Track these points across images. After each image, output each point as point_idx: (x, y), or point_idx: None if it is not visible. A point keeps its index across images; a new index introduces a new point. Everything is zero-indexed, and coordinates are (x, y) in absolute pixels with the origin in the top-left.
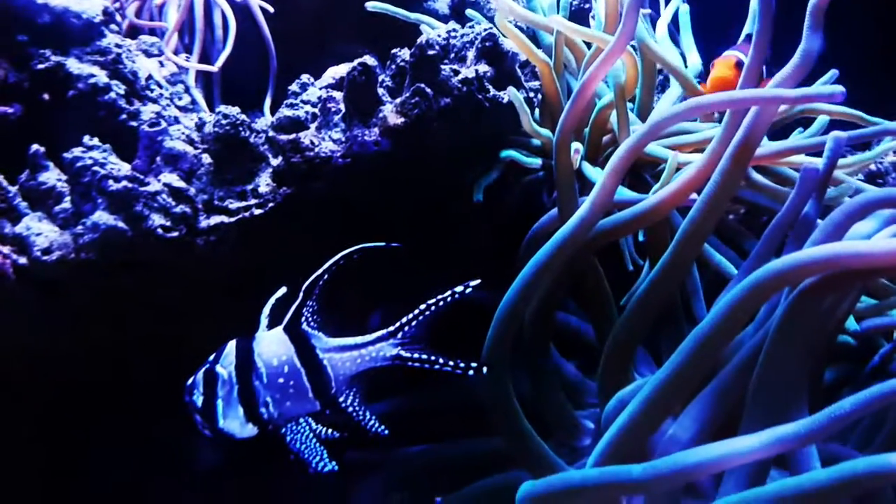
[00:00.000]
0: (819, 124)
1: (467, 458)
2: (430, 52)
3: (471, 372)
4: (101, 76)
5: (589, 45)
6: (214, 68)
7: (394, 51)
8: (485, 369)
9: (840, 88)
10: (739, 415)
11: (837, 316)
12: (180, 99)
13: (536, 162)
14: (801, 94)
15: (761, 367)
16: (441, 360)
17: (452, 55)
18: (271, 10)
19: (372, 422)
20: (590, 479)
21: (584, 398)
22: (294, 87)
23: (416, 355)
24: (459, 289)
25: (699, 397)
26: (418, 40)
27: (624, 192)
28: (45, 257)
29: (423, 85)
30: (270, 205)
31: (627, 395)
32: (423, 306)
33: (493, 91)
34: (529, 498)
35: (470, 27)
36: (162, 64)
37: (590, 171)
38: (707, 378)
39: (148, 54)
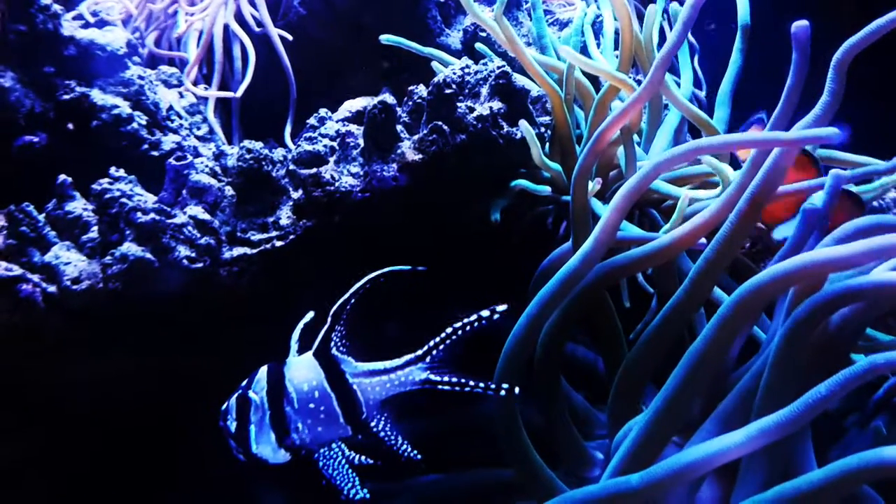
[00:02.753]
0: None
1: (478, 488)
2: (448, 91)
3: (502, 392)
4: (125, 107)
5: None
6: (236, 95)
7: (411, 88)
8: (517, 389)
9: (836, 130)
10: None
11: (837, 345)
12: (199, 129)
13: (546, 190)
14: (798, 136)
15: (761, 397)
16: (471, 383)
17: (467, 91)
18: (290, 37)
19: (404, 446)
20: (595, 494)
21: (594, 429)
22: (312, 120)
23: (445, 378)
24: (486, 313)
25: (705, 425)
26: (435, 79)
27: (635, 231)
28: (74, 286)
29: (440, 122)
30: (291, 237)
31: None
32: (449, 330)
33: (506, 127)
34: None
35: (483, 64)
36: (182, 94)
37: (598, 206)
38: (712, 400)
39: (168, 85)
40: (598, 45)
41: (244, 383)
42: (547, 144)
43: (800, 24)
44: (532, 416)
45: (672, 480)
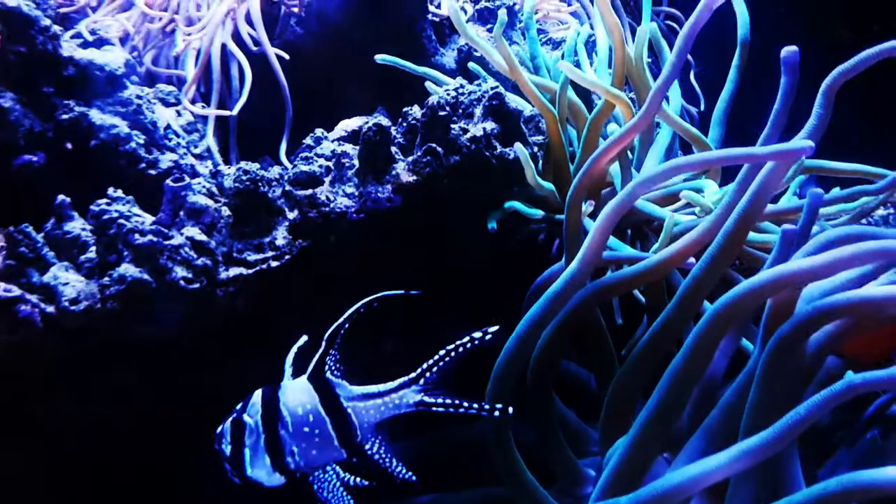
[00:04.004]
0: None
1: None
2: (441, 113)
3: (496, 413)
4: (122, 127)
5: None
6: (232, 113)
7: (405, 109)
8: (510, 410)
9: (810, 143)
10: None
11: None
12: (196, 147)
13: (539, 214)
14: (772, 150)
15: (747, 416)
16: (465, 404)
17: (461, 111)
18: (287, 56)
19: (399, 468)
20: None
21: (586, 446)
22: (308, 140)
23: (439, 400)
24: (478, 335)
25: (691, 440)
26: (429, 100)
27: (627, 250)
28: (72, 307)
29: (434, 144)
30: (287, 257)
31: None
32: (442, 352)
33: (499, 148)
34: None
35: (477, 85)
36: (179, 113)
37: (591, 225)
38: (701, 415)
39: (165, 103)
40: (592, 64)
41: (238, 407)
42: (540, 163)
43: (789, 50)
44: (525, 434)
45: (662, 501)
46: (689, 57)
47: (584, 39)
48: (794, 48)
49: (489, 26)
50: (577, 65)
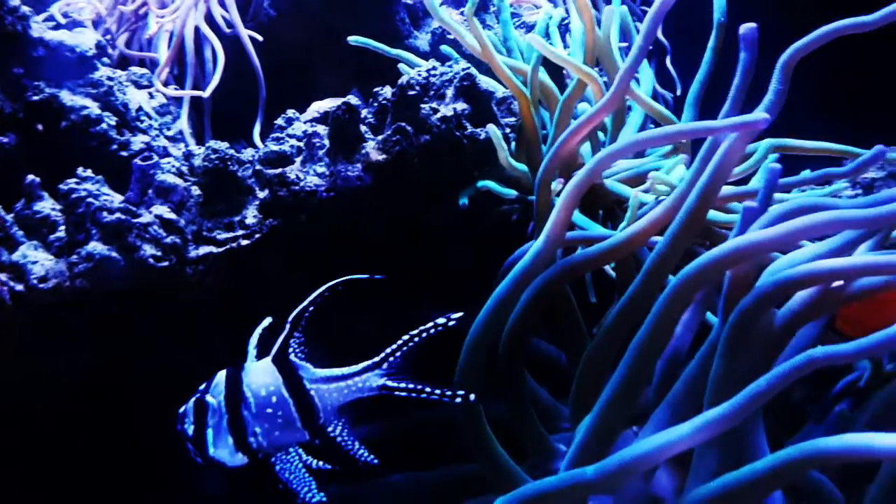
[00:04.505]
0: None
1: (445, 484)
2: (411, 93)
3: (458, 399)
4: (93, 108)
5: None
6: (204, 94)
7: (376, 89)
8: (472, 397)
9: (765, 115)
10: None
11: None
12: (169, 129)
13: (512, 193)
14: (729, 123)
15: (711, 389)
16: (427, 389)
17: (432, 93)
18: (260, 38)
19: (361, 451)
20: (553, 485)
21: (558, 422)
22: (280, 121)
23: (402, 385)
24: (442, 320)
25: (656, 412)
26: (399, 80)
27: (596, 229)
28: (41, 285)
29: (403, 123)
30: (257, 235)
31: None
32: (406, 337)
33: (470, 128)
34: None
35: (449, 66)
36: (152, 95)
37: None
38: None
39: (138, 85)
40: (566, 47)
41: (202, 387)
42: (513, 144)
43: (748, 26)
44: (497, 410)
45: (625, 471)
46: (666, 41)
47: (557, 22)
48: (753, 25)
49: (462, 9)
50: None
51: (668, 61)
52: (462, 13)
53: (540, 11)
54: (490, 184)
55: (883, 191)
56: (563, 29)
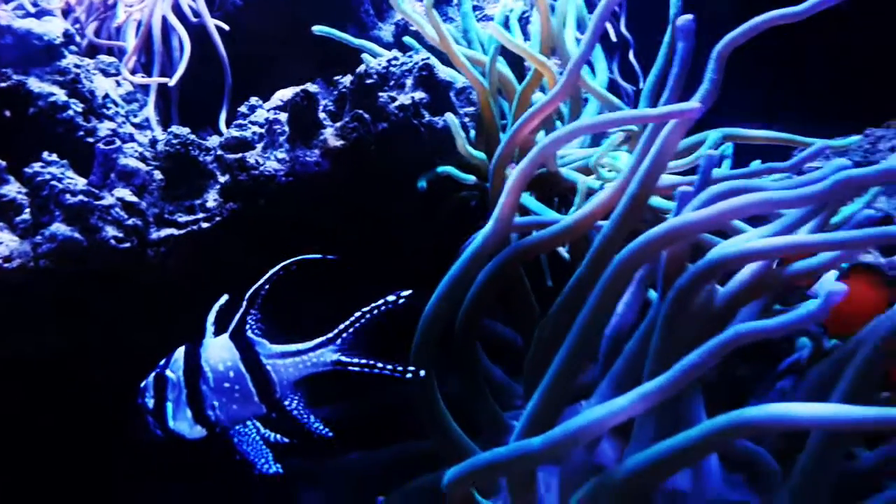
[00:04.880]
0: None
1: (401, 460)
2: (369, 81)
3: (408, 375)
4: (60, 95)
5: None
6: (171, 82)
7: (336, 77)
8: (422, 373)
9: (696, 104)
10: None
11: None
12: (136, 116)
13: (471, 179)
14: (663, 111)
15: (650, 363)
16: (379, 365)
17: (392, 82)
18: (226, 27)
19: (316, 424)
20: (503, 455)
21: (511, 400)
22: (243, 108)
23: (354, 360)
24: (392, 298)
25: (600, 386)
26: (358, 69)
27: (550, 214)
28: (5, 264)
29: (361, 111)
30: (217, 219)
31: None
32: (358, 314)
33: (428, 116)
34: (454, 479)
35: (409, 56)
36: (119, 83)
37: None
38: (609, 365)
39: (105, 73)
40: (527, 39)
41: (162, 363)
42: (472, 133)
43: (685, 18)
44: (452, 388)
45: (570, 441)
46: (629, 35)
47: (518, 14)
48: (689, 17)
49: (426, 1)
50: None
51: (630, 55)
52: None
53: (499, 4)
54: (450, 169)
55: (809, 173)
56: (525, 22)
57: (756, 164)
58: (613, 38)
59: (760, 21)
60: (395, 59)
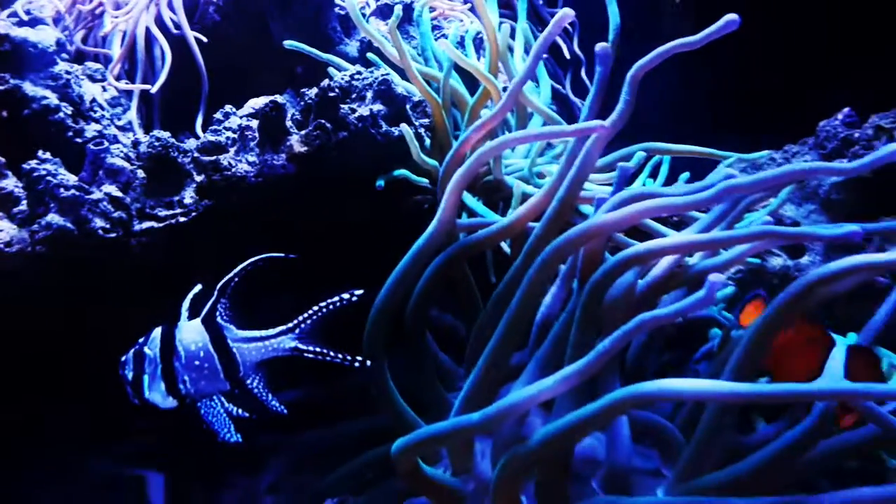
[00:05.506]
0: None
1: (356, 435)
2: (331, 94)
3: (356, 364)
4: (52, 98)
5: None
6: (152, 89)
7: (303, 90)
8: (368, 363)
9: (601, 122)
10: None
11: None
12: (119, 119)
13: (424, 181)
14: (574, 128)
15: (570, 348)
16: (331, 353)
17: (354, 95)
18: (205, 39)
19: (273, 402)
20: (446, 428)
21: (456, 382)
22: (219, 115)
23: (310, 348)
24: (346, 295)
25: (528, 366)
26: (322, 83)
27: (490, 217)
28: (6, 249)
29: (323, 120)
30: (193, 214)
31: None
32: (316, 308)
33: (385, 127)
34: (402, 449)
35: (370, 72)
36: (105, 88)
37: (469, 199)
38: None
39: (93, 79)
40: (480, 58)
41: (141, 340)
42: (428, 142)
43: (602, 46)
44: (403, 372)
45: (503, 416)
46: (582, 55)
47: (473, 35)
48: (606, 45)
49: (389, 21)
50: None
51: (583, 72)
52: (388, 24)
53: (451, 26)
54: (406, 172)
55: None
56: (480, 42)
57: (685, 176)
58: (567, 55)
59: (664, 50)
60: (358, 73)
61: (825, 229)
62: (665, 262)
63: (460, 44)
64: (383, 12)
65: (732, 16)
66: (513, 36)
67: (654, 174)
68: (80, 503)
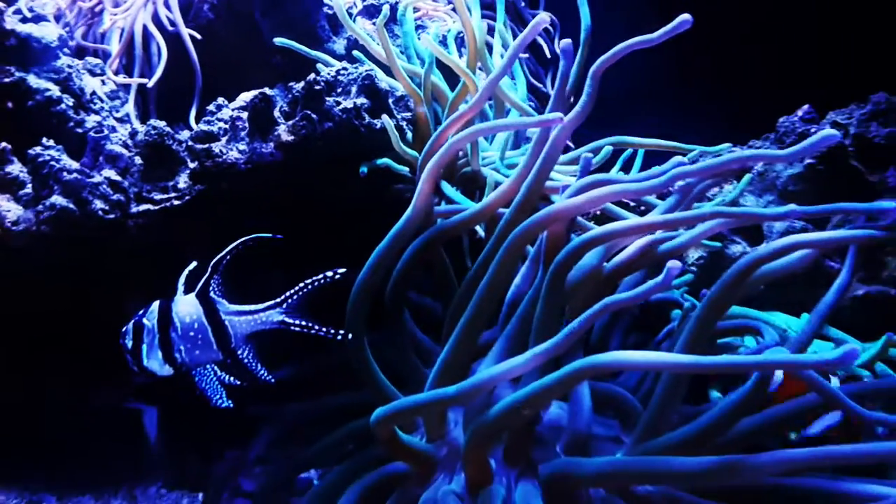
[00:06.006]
0: (603, 155)
1: (341, 408)
2: (317, 87)
3: (339, 337)
4: (55, 90)
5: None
6: (149, 83)
7: (290, 84)
8: (350, 336)
9: (558, 115)
10: None
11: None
12: (118, 111)
13: (405, 170)
14: (535, 120)
15: (536, 324)
16: (316, 327)
17: (340, 89)
18: (198, 36)
19: (262, 371)
20: (422, 399)
21: (434, 359)
22: (211, 107)
23: (296, 321)
24: (330, 273)
25: (498, 342)
26: (308, 77)
27: (465, 203)
28: (14, 228)
29: (309, 111)
30: (187, 197)
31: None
32: (301, 284)
33: (368, 119)
34: (380, 417)
35: (355, 67)
36: (104, 82)
37: (446, 187)
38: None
39: (93, 73)
40: (461, 56)
41: (140, 313)
42: (409, 135)
43: (566, 42)
44: (384, 349)
45: (477, 389)
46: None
47: (455, 33)
48: (568, 40)
49: (375, 20)
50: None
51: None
52: (374, 23)
53: (433, 25)
54: (389, 161)
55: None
56: (462, 40)
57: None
58: (548, 54)
59: (624, 47)
60: (344, 69)
61: (768, 210)
62: (630, 249)
63: (443, 42)
64: (370, 11)
65: (686, 16)
66: (493, 34)
67: (626, 167)
68: (88, 426)
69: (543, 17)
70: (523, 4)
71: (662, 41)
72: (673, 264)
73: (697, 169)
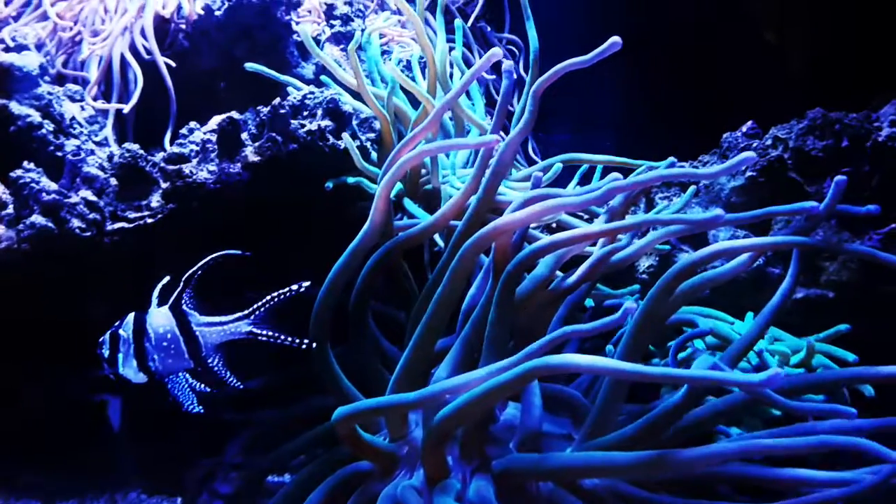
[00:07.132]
0: (553, 172)
1: (309, 413)
2: (282, 111)
3: (304, 346)
4: (36, 116)
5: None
6: (125, 108)
7: (258, 107)
8: (314, 345)
9: (495, 137)
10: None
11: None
12: (96, 136)
13: (374, 188)
14: (476, 141)
15: (488, 330)
16: (282, 337)
17: (306, 112)
18: (173, 64)
19: (231, 378)
20: (382, 402)
21: (396, 364)
22: (184, 130)
23: (263, 332)
24: (295, 287)
25: (454, 346)
26: (273, 101)
27: (421, 216)
28: None
29: (274, 134)
30: (159, 216)
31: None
32: (268, 297)
33: (332, 140)
34: (342, 416)
35: (321, 91)
36: (83, 108)
37: (407, 203)
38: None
39: (72, 99)
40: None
41: (116, 324)
42: (375, 154)
43: (508, 63)
44: (350, 357)
45: (436, 397)
46: (504, 73)
47: (418, 58)
48: (510, 62)
49: (342, 46)
50: (413, 79)
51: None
52: (342, 49)
53: (394, 52)
54: (362, 179)
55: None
56: (424, 65)
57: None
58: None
59: (560, 68)
60: (311, 93)
61: (697, 216)
62: (582, 267)
63: (407, 66)
64: (337, 39)
65: (616, 38)
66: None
67: (584, 181)
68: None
69: (496, 52)
70: (489, 29)
71: (596, 62)
72: (629, 305)
73: (630, 183)
